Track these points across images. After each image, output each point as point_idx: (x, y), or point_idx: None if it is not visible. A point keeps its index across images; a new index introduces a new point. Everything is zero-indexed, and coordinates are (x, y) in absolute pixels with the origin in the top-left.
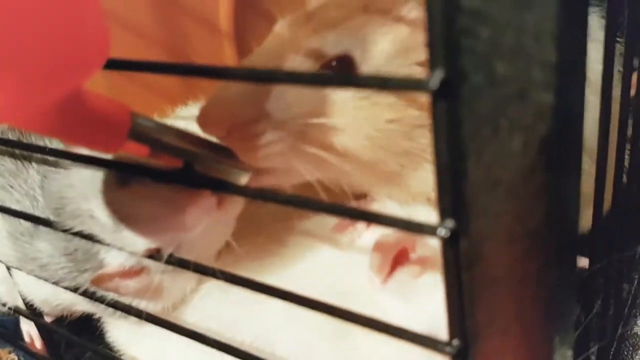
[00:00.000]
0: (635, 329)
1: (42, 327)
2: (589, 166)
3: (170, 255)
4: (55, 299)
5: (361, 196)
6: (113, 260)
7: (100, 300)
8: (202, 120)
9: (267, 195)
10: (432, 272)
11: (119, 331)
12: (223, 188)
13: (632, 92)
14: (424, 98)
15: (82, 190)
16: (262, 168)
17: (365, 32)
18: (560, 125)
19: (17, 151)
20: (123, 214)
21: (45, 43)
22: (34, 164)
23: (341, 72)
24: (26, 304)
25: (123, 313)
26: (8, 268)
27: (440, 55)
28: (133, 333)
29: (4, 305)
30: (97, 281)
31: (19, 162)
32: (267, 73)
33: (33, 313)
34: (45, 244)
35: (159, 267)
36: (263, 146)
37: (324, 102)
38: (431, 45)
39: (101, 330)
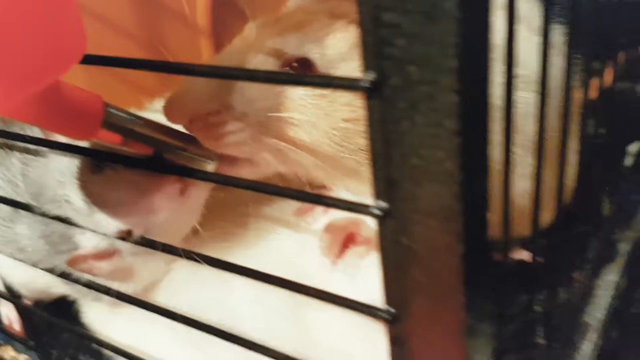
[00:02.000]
0: (585, 317)
1: (21, 309)
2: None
3: (141, 237)
4: (33, 282)
5: (320, 188)
6: (87, 242)
7: (76, 281)
8: (167, 109)
9: (228, 180)
10: (375, 252)
11: (94, 313)
12: (187, 174)
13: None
14: None
15: (59, 177)
16: (230, 160)
17: (324, 36)
18: (466, 122)
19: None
20: (96, 198)
21: (27, 40)
22: (16, 152)
23: (300, 71)
24: (6, 286)
25: (97, 295)
26: None
27: (370, 60)
28: (107, 314)
29: None
30: (72, 262)
31: (1, 150)
32: (226, 70)
33: (13, 295)
34: (25, 227)
35: (130, 249)
36: (225, 135)
37: (284, 98)
38: (364, 51)
39: (76, 313)
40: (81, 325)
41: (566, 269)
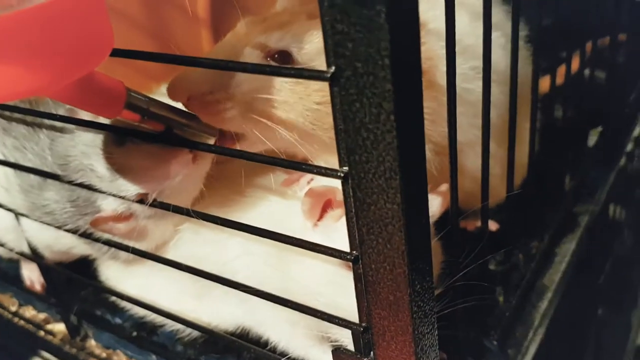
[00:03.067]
0: (543, 279)
1: (44, 268)
2: (494, 150)
3: (154, 200)
4: (57, 243)
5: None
6: (108, 206)
7: (96, 239)
8: (170, 89)
9: (227, 151)
10: None
11: (109, 270)
12: (196, 146)
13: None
14: None
15: (84, 149)
16: (235, 136)
17: (302, 34)
18: (399, 103)
19: (29, 118)
20: (119, 167)
21: (72, 38)
22: (43, 129)
23: (281, 62)
24: (31, 249)
25: (114, 254)
26: (17, 216)
27: (331, 58)
28: (121, 271)
29: (11, 250)
30: (95, 223)
31: (30, 128)
32: (222, 62)
33: (37, 256)
34: (53, 193)
35: (145, 212)
36: (219, 112)
37: (268, 83)
38: (325, 50)
39: (93, 272)
40: (98, 282)
41: (522, 236)
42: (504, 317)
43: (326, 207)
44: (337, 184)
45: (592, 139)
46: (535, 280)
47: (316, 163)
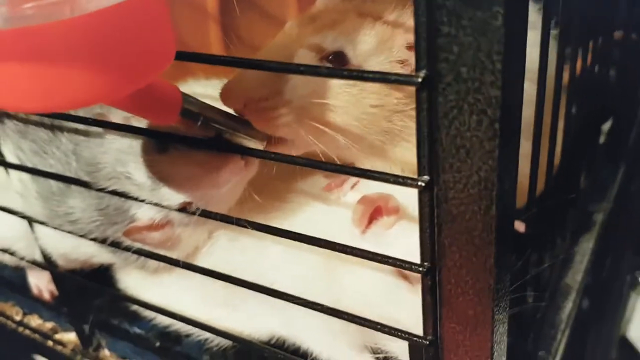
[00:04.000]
0: (566, 279)
1: (57, 276)
2: (526, 150)
3: (199, 209)
4: (75, 253)
5: (349, 164)
6: (144, 214)
7: (126, 249)
8: (224, 95)
9: (284, 158)
10: (400, 224)
11: (130, 278)
12: (250, 153)
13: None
14: (400, 91)
15: (118, 155)
16: (276, 140)
17: (356, 33)
18: (504, 110)
19: (47, 121)
20: (163, 175)
21: (136, 47)
22: (65, 133)
23: (336, 64)
24: (45, 257)
25: (142, 262)
26: (30, 224)
27: (424, 61)
28: (145, 279)
29: (22, 259)
30: (129, 233)
31: (49, 131)
32: (286, 65)
33: (50, 263)
34: (78, 201)
35: (183, 220)
36: (275, 118)
37: (324, 87)
38: (418, 53)
39: (110, 280)
40: (117, 290)
41: (551, 237)
42: (535, 320)
43: (376, 213)
44: (388, 190)
45: (602, 137)
46: (559, 281)
47: (362, 166)
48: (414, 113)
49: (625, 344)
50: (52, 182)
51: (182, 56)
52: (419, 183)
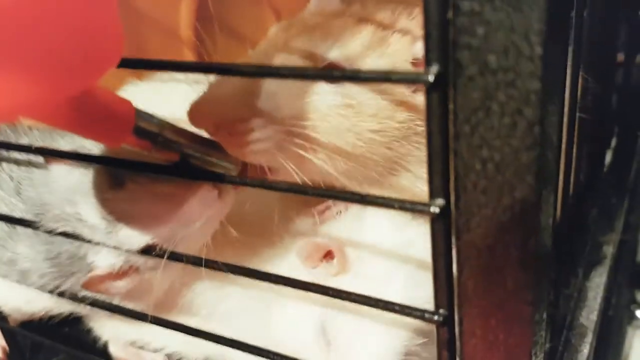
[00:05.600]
0: (580, 319)
1: (7, 332)
2: None
3: (163, 250)
4: (30, 307)
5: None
6: (102, 262)
7: (91, 303)
8: (192, 114)
9: (268, 184)
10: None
11: (106, 329)
12: (220, 179)
13: None
14: (404, 111)
15: (66, 195)
16: (254, 168)
17: (352, 42)
18: (545, 109)
19: None
20: (120, 214)
21: (64, 42)
22: (4, 165)
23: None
24: None
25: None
26: None
27: (435, 53)
28: (120, 328)
29: None
30: (89, 284)
31: None
32: (263, 69)
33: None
34: (25, 247)
35: (149, 264)
36: (251, 142)
37: (311, 107)
38: (427, 44)
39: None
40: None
41: (565, 272)
42: None
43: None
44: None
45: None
46: (573, 320)
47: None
48: (419, 138)
49: None
50: None
51: (128, 63)
52: (431, 209)
